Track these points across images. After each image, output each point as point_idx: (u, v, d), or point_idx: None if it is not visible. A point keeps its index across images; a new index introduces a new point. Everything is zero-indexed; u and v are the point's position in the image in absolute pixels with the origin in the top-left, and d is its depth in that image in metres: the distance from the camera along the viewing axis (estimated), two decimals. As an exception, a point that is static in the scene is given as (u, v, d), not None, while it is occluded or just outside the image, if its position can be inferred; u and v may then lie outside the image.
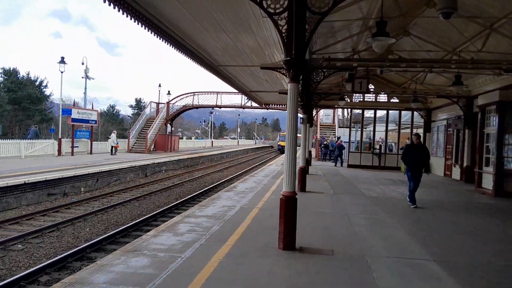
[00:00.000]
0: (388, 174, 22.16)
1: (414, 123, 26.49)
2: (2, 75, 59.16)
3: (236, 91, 28.58)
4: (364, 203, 12.15)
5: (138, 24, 9.85)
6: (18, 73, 60.74)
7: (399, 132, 26.92)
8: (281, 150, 61.65)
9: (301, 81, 13.44)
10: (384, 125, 26.97)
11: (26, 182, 15.01)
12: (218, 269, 5.57)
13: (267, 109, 36.79)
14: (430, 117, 24.80)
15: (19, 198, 14.79)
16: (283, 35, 6.51)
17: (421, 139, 13.08)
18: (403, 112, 26.72)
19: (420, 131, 25.76)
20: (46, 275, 8.18)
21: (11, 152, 24.88)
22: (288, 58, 6.52)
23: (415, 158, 11.68)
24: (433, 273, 5.83)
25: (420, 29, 12.81)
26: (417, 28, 12.76)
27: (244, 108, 42.37)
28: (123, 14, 9.14)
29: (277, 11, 6.50)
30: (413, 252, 6.88)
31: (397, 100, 25.10)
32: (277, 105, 34.68)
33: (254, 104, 36.47)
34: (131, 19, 9.51)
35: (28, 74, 62.17)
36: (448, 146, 21.76)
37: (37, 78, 62.93)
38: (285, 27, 6.49)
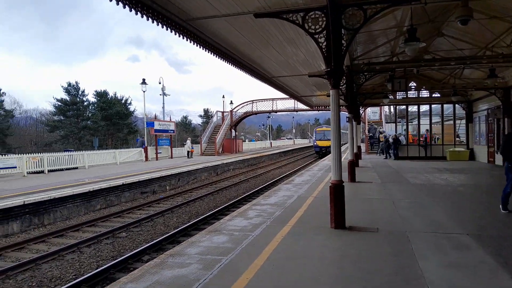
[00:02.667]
0: (434, 163, 21.57)
1: (457, 115, 25.47)
2: (96, 97, 63.92)
3: (288, 96, 29.08)
4: (409, 189, 12.16)
5: (201, 48, 10.56)
6: (107, 94, 65.24)
7: (442, 124, 26.03)
8: (319, 153, 43.21)
9: (344, 85, 13.81)
10: (428, 118, 26.23)
11: (124, 183, 16.57)
12: (281, 243, 6.21)
13: (318, 110, 36.88)
14: (471, 109, 23.76)
15: (119, 196, 16.37)
16: (323, 50, 7.03)
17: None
18: (445, 105, 25.80)
19: (463, 122, 24.83)
20: (147, 255, 9.25)
21: (108, 160, 27.21)
22: (328, 69, 7.01)
23: None
24: (465, 244, 6.05)
25: (453, 30, 12.61)
26: (450, 29, 12.57)
27: (297, 111, 42.74)
28: (190, 42, 10.00)
29: (317, 31, 7.05)
30: (449, 228, 7.07)
31: (439, 95, 24.30)
32: (327, 107, 34.65)
33: (305, 107, 36.64)
34: (197, 46, 10.31)
35: (115, 94, 66.60)
36: (489, 135, 20.81)
37: (123, 97, 67.25)
38: (324, 43, 7.00)
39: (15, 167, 20.25)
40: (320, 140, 42.83)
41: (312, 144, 48.10)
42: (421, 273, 4.84)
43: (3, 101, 54.75)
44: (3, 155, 23.30)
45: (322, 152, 41.31)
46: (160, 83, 37.12)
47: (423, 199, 10.37)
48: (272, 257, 5.55)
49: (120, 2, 6.75)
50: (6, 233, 11.41)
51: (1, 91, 53.74)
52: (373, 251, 5.79)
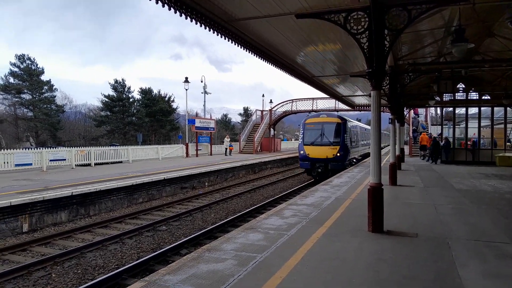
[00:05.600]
0: (482, 168, 20.57)
1: (508, 118, 24.08)
2: (141, 94, 66.21)
3: (328, 96, 28.74)
4: (453, 195, 11.73)
5: (242, 48, 10.73)
6: (152, 91, 67.29)
7: (492, 128, 24.69)
8: (311, 171, 21.52)
9: (387, 86, 13.49)
10: (477, 121, 24.96)
11: (165, 178, 17.14)
12: (316, 244, 6.24)
13: (360, 111, 36.11)
14: (524, 112, 22.42)
15: (160, 190, 16.95)
16: (365, 51, 6.95)
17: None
18: (496, 108, 24.44)
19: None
20: (185, 248, 9.55)
21: (151, 155, 28.19)
22: (370, 70, 6.92)
23: None
24: (508, 253, 5.80)
25: (505, 29, 11.95)
26: (501, 29, 11.93)
27: (338, 111, 42.10)
28: (231, 42, 10.20)
29: (359, 31, 6.98)
30: (493, 236, 6.79)
31: (488, 97, 23.09)
32: (369, 107, 33.71)
33: (346, 107, 35.95)
34: (238, 46, 10.49)
35: (159, 92, 68.58)
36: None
37: (166, 95, 69.12)
38: (366, 44, 6.92)
39: (65, 159, 21.50)
40: (312, 144, 21.07)
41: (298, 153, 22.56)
42: (460, 281, 4.71)
43: (55, 96, 58.03)
44: (54, 148, 24.75)
45: (317, 171, 20.74)
46: (202, 81, 37.99)
47: (467, 205, 9.99)
48: (306, 257, 5.59)
49: (165, 5, 7.03)
50: (55, 222, 12.18)
51: (54, 87, 56.97)
52: (411, 257, 5.68)
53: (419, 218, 8.45)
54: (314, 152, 20.80)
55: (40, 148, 22.30)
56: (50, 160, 20.58)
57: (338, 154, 20.31)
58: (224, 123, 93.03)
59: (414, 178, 15.84)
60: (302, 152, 21.30)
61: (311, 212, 8.89)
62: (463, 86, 20.59)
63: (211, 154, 34.57)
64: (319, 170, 20.55)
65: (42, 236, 10.60)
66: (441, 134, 26.75)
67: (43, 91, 55.61)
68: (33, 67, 54.54)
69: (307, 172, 22.32)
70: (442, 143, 24.46)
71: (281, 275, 4.88)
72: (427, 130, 33.67)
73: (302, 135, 21.95)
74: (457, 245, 6.23)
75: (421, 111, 38.06)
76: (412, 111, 34.65)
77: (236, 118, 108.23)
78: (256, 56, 11.69)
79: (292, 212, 8.91)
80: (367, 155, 29.31)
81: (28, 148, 30.31)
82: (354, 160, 24.59)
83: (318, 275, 4.92)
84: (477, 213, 8.95)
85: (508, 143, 24.69)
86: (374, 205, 7.06)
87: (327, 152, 20.49)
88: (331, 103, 38.81)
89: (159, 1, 6.90)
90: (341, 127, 21.17)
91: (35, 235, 11.03)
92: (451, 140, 24.88)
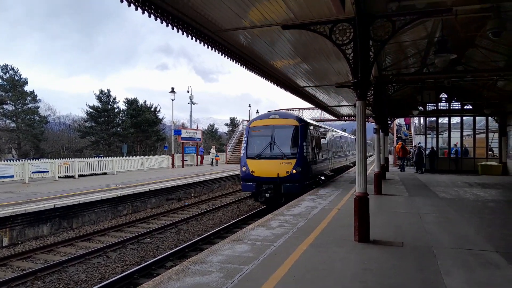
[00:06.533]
0: (464, 177, 20.89)
1: (490, 127, 24.60)
2: (126, 104, 65.64)
3: (314, 106, 28.97)
4: (437, 203, 11.83)
5: (229, 58, 10.74)
6: (137, 102, 66.72)
7: (474, 137, 25.19)
8: (257, 196, 14.95)
9: (372, 96, 13.66)
10: (459, 131, 25.46)
11: (150, 189, 16.92)
12: (303, 255, 6.19)
13: (345, 120, 36.48)
14: (505, 121, 22.91)
15: (145, 202, 16.71)
16: (350, 61, 7.03)
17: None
18: (478, 118, 24.97)
19: (496, 135, 23.98)
20: (170, 261, 9.40)
21: (136, 166, 27.86)
22: (355, 81, 7.00)
23: None
24: (493, 261, 5.85)
25: (486, 40, 12.29)
26: (483, 40, 12.27)
27: (323, 121, 42.41)
28: (218, 53, 10.22)
29: (344, 42, 7.07)
30: (477, 245, 6.84)
31: (470, 107, 23.58)
32: (354, 117, 34.25)
33: (332, 117, 36.29)
34: (225, 56, 10.51)
35: (145, 102, 68.08)
36: (525, 149, 20.00)
37: (152, 105, 68.68)
38: (351, 55, 7.00)
39: (48, 171, 21.07)
40: (258, 157, 15.03)
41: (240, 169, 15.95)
42: (446, 291, 4.71)
43: (38, 107, 57.06)
44: (37, 159, 24.23)
45: (264, 196, 14.85)
46: (188, 92, 37.85)
47: (451, 213, 10.08)
48: (294, 268, 5.54)
49: (152, 15, 7.01)
50: (37, 235, 11.86)
51: (37, 98, 56.05)
52: (397, 266, 5.68)
53: (404, 227, 8.47)
54: (261, 168, 14.56)
55: (22, 160, 21.84)
56: (33, 172, 20.14)
57: (295, 171, 14.14)
58: (211, 133, 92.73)
59: (399, 187, 15.96)
60: (244, 168, 14.88)
61: (298, 222, 8.85)
62: (446, 96, 20.99)
63: (197, 165, 34.35)
64: (267, 194, 14.41)
65: (23, 250, 10.30)
66: (425, 143, 27.16)
67: (26, 101, 54.63)
68: (16, 78, 53.63)
69: (253, 197, 15.61)
70: (421, 152, 24.79)
71: (269, 287, 4.81)
72: (407, 138, 34.24)
73: (245, 144, 15.38)
74: (442, 254, 6.25)
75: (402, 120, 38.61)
76: (398, 120, 35.20)
77: (222, 128, 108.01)
78: (244, 67, 11.76)
79: (279, 222, 8.85)
80: (341, 170, 25.06)
81: (10, 160, 29.67)
82: (323, 178, 18.20)
83: (306, 286, 4.87)
84: (461, 221, 9.03)
85: (490, 152, 25.18)
86: (360, 214, 7.07)
87: (279, 168, 14.27)
88: (316, 113, 39.15)
89: (145, 11, 6.88)
90: (300, 132, 14.82)
91: (15, 249, 10.72)
92: (434, 149, 25.28)
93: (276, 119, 15.44)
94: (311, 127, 16.40)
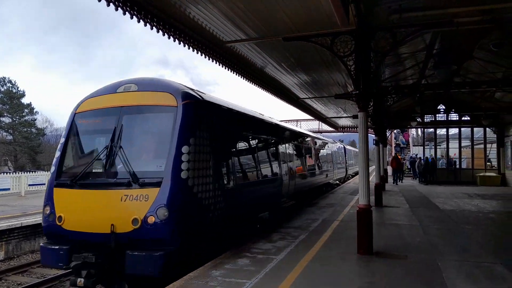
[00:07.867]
0: (463, 188, 20.88)
1: (488, 138, 24.70)
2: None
3: (313, 118, 29.00)
4: (438, 215, 11.78)
5: (229, 70, 10.77)
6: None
7: (472, 148, 25.27)
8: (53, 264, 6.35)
9: (371, 108, 13.69)
10: (457, 142, 25.53)
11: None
12: (306, 268, 6.09)
13: (343, 132, 36.43)
14: (503, 133, 23.02)
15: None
16: (352, 73, 7.04)
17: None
18: (475, 129, 25.08)
19: (494, 146, 24.08)
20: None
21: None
22: (357, 92, 7.00)
23: None
24: (499, 273, 5.80)
25: (484, 52, 12.39)
26: (481, 52, 12.37)
27: (321, 133, 42.40)
28: (219, 65, 10.24)
29: (346, 54, 7.08)
30: (481, 257, 6.79)
31: (468, 118, 23.69)
32: (352, 128, 34.30)
33: (330, 128, 36.27)
34: (225, 68, 10.52)
35: (143, 114, 68.29)
36: (524, 160, 20.07)
37: (150, 117, 68.77)
38: (353, 66, 7.01)
39: (44, 184, 20.85)
40: (79, 183, 6.43)
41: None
42: (454, 304, 4.63)
43: (35, 119, 56.91)
44: (33, 172, 24.04)
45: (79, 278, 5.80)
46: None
47: (453, 225, 10.03)
48: (297, 282, 5.44)
49: (153, 27, 7.03)
50: (33, 249, 11.67)
51: (34, 110, 55.95)
52: (403, 279, 5.60)
53: (407, 239, 8.40)
54: (80, 211, 6.33)
55: (18, 173, 21.66)
56: (29, 185, 19.98)
57: (157, 218, 5.75)
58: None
59: (399, 199, 15.91)
60: (48, 210, 6.81)
61: (299, 235, 8.74)
62: (444, 108, 21.08)
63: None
64: (84, 276, 5.85)
65: (19, 264, 10.14)
66: (423, 154, 27.18)
67: (23, 114, 54.51)
68: (13, 90, 53.60)
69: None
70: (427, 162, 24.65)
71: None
72: (404, 148, 34.35)
73: (59, 153, 7.21)
74: (447, 266, 6.18)
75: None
76: (393, 138, 35.35)
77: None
78: (244, 78, 11.77)
79: (280, 235, 8.74)
80: (319, 190, 18.18)
81: (6, 173, 29.46)
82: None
83: (311, 301, 4.78)
84: (464, 233, 8.97)
85: (488, 163, 25.23)
86: (364, 227, 7.00)
87: (117, 210, 6.02)
88: (314, 125, 39.11)
89: (147, 24, 6.90)
90: (182, 121, 6.39)
91: (11, 263, 10.55)
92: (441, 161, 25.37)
93: (130, 92, 6.94)
94: (218, 111, 7.77)
